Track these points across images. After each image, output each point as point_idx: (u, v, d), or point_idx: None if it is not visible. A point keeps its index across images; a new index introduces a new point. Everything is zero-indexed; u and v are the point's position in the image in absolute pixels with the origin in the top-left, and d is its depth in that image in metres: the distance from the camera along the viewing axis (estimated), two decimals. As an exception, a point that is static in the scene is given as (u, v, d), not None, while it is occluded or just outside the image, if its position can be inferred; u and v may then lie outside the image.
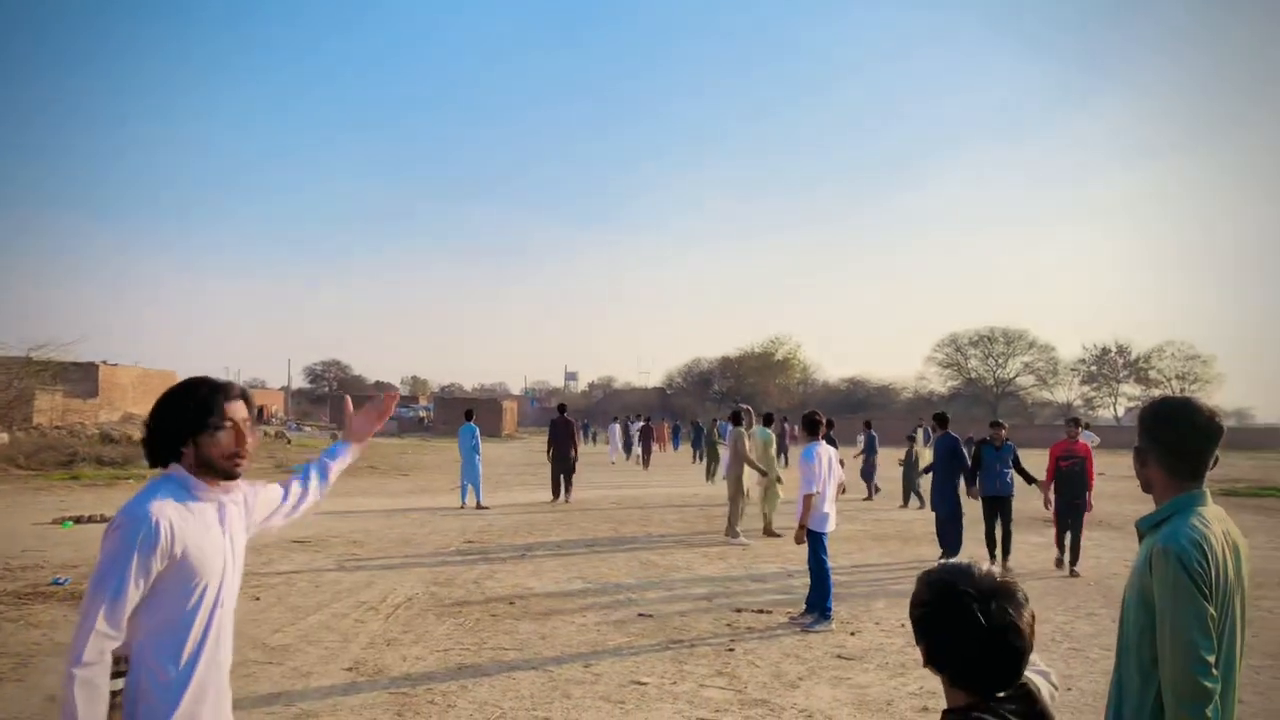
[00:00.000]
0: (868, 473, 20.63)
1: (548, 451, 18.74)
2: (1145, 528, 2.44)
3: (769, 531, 13.68)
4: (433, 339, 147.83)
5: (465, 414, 18.22)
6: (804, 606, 8.37)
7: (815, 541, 8.31)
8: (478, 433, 17.30)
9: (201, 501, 2.44)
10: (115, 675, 2.26)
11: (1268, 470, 35.06)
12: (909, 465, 18.70)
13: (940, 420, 12.95)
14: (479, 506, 16.81)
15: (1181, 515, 2.36)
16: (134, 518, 2.29)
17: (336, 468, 3.07)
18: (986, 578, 1.70)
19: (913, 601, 1.78)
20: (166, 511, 2.32)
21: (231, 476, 2.48)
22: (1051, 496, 11.21)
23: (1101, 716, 2.56)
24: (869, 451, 20.70)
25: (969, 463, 11.82)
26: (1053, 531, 11.54)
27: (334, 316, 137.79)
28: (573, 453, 18.60)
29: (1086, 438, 26.93)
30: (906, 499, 18.64)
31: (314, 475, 3.00)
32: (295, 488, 2.94)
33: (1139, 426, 2.53)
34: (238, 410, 2.47)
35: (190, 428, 2.42)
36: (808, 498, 8.35)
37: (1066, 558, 10.94)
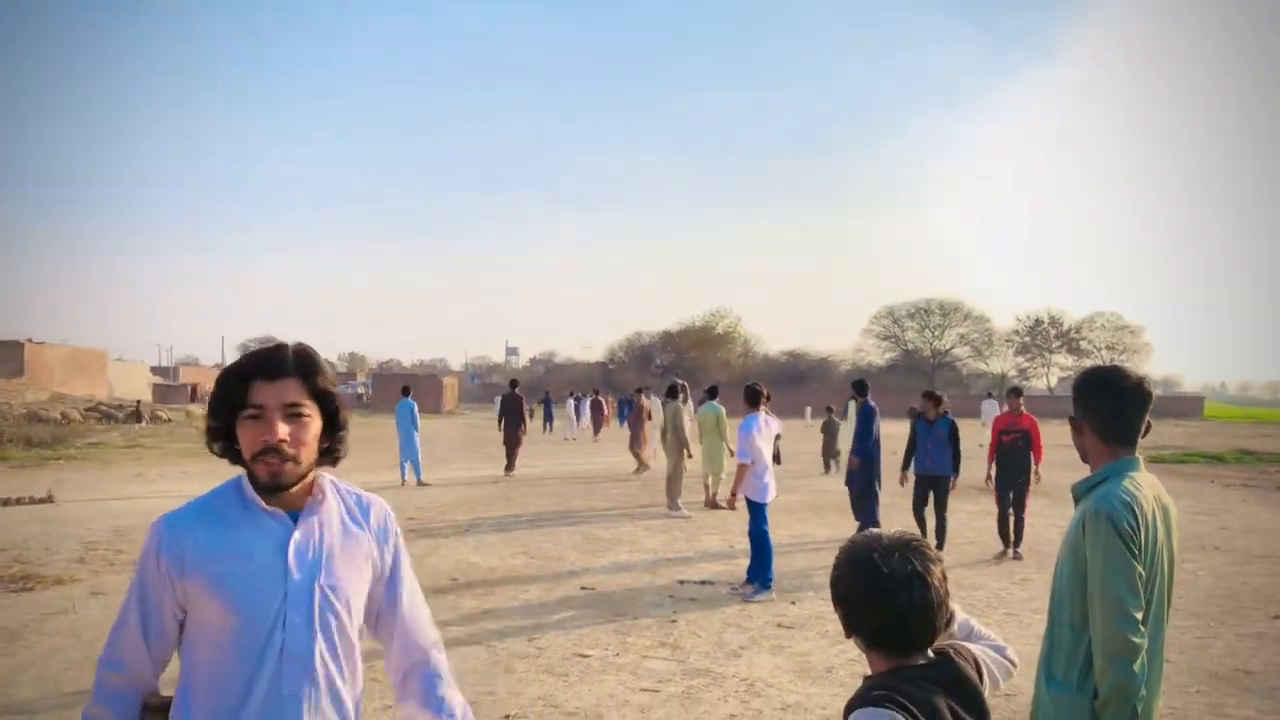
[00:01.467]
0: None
1: (499, 424, 19.15)
2: (1080, 492, 2.51)
3: (711, 503, 13.78)
4: (371, 315, 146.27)
5: (402, 390, 17.96)
6: (745, 577, 8.45)
7: (756, 512, 8.40)
8: (415, 409, 17.15)
9: (260, 516, 1.85)
10: None
11: (1192, 437, 36.23)
12: (829, 435, 19.63)
13: (859, 388, 11.72)
14: (419, 483, 16.69)
15: (1114, 479, 2.42)
16: (151, 533, 1.84)
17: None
18: (894, 536, 1.71)
19: (831, 573, 1.78)
20: (190, 528, 1.82)
21: (265, 486, 1.83)
22: (993, 474, 10.35)
23: (1033, 678, 2.62)
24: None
25: (876, 433, 10.95)
26: (994, 503, 10.51)
27: (270, 292, 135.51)
28: (522, 427, 18.99)
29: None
30: (827, 467, 19.51)
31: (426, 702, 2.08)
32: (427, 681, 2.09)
33: (1073, 396, 2.59)
34: (272, 393, 1.83)
35: (222, 418, 1.87)
36: (742, 467, 8.48)
37: (1011, 540, 10.07)
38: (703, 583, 8.64)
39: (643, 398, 20.26)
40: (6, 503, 13.45)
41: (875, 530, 1.76)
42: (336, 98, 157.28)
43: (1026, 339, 76.85)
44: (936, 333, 77.19)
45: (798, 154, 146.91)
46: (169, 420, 35.34)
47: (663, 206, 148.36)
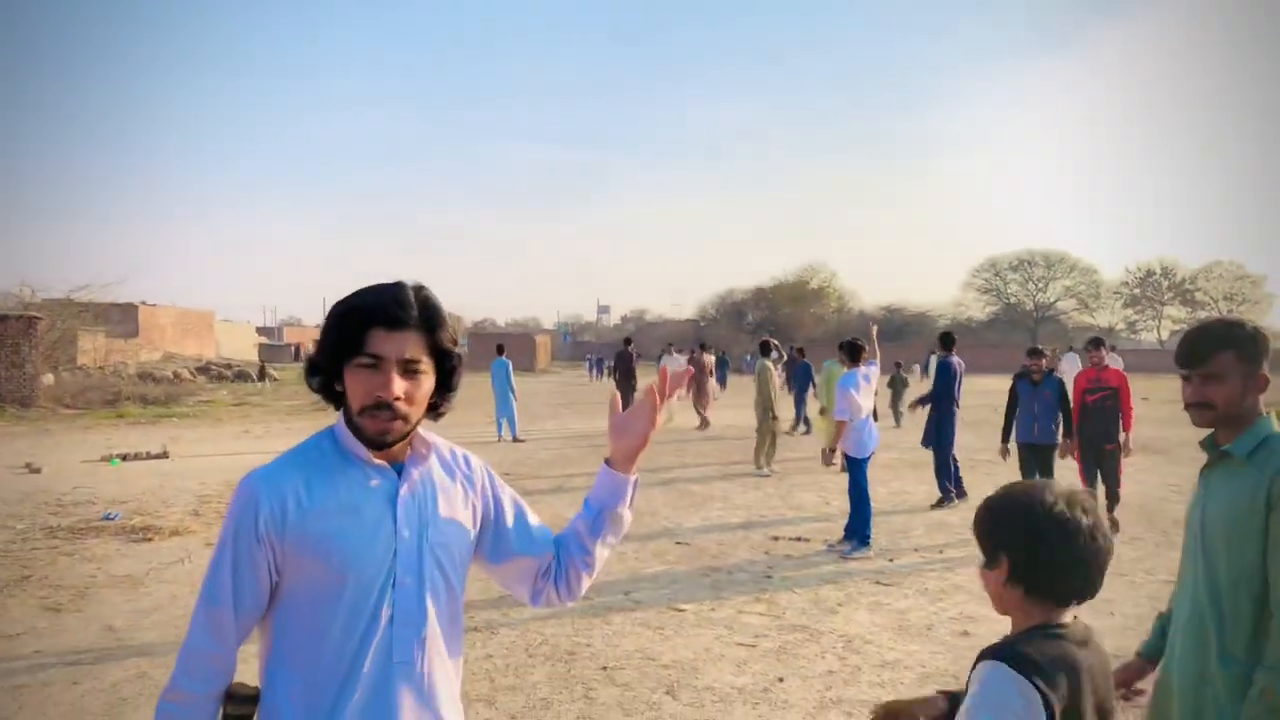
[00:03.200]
0: (797, 404, 19.49)
1: (614, 378, 20.59)
2: (1241, 454, 2.24)
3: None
4: (465, 274, 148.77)
5: (497, 349, 18.26)
6: (842, 534, 8.34)
7: (855, 467, 8.27)
8: (510, 367, 17.41)
9: (363, 469, 1.70)
10: (238, 717, 1.65)
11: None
12: (896, 389, 20.56)
13: (944, 341, 10.74)
14: (515, 439, 16.94)
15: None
16: (242, 490, 1.64)
17: (599, 548, 1.98)
18: (1063, 488, 1.66)
19: (986, 516, 1.70)
20: (289, 481, 1.64)
21: (369, 441, 1.68)
22: (1075, 442, 8.77)
23: (1139, 640, 2.46)
24: (800, 382, 19.15)
25: (956, 388, 10.25)
26: (1079, 475, 8.77)
27: (366, 253, 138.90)
28: (634, 381, 19.55)
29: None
30: (898, 420, 20.21)
31: (579, 569, 1.97)
32: (569, 571, 1.97)
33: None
34: (391, 345, 1.64)
35: (329, 359, 1.69)
36: (840, 424, 8.34)
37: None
38: (798, 539, 8.57)
39: (705, 355, 21.48)
40: (126, 457, 14.14)
41: (1039, 480, 1.71)
42: (433, 60, 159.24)
43: (1136, 290, 73.93)
44: (1040, 285, 74.87)
45: (892, 106, 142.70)
46: (277, 380, 36.65)
47: (754, 161, 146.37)
